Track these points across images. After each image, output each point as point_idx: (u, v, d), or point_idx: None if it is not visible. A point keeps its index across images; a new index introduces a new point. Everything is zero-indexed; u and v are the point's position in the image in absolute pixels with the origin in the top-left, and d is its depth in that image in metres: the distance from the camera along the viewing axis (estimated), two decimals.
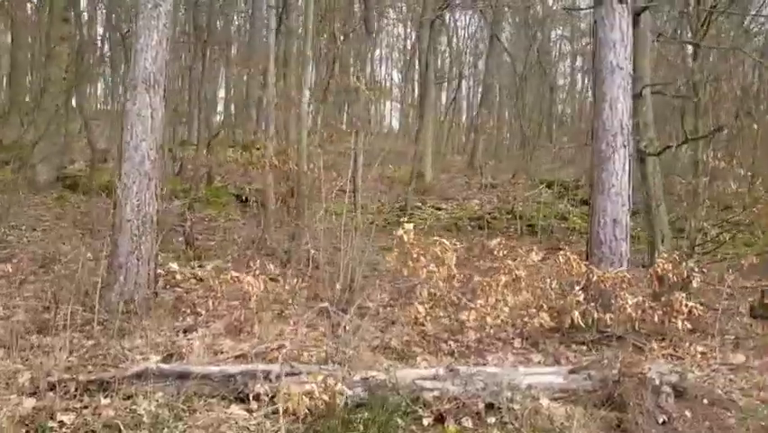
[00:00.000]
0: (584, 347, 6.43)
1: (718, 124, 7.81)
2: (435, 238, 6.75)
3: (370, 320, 6.16)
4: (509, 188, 17.60)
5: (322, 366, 4.72)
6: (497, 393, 4.71)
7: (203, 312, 6.00)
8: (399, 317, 6.42)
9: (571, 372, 5.23)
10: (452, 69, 27.48)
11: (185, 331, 5.66)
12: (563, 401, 4.85)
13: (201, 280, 7.46)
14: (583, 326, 6.15)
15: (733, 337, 7.30)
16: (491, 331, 6.51)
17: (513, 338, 6.44)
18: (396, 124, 34.19)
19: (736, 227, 8.10)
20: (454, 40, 28.20)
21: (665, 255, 7.08)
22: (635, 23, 8.07)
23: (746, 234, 11.57)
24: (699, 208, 7.55)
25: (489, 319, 5.75)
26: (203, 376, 4.30)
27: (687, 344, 6.46)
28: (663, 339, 6.83)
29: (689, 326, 6.16)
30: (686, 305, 6.11)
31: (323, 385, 4.26)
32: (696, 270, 6.34)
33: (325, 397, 4.19)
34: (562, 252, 6.40)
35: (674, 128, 12.96)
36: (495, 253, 6.09)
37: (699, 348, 6.49)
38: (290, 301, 6.31)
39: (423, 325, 6.44)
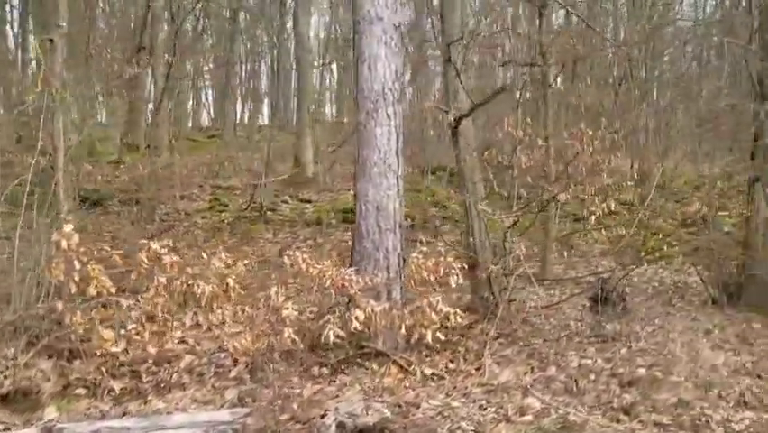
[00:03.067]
0: (327, 370, 5.10)
1: (504, 84, 6.52)
2: (143, 241, 5.31)
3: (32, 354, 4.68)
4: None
5: None
6: None
7: None
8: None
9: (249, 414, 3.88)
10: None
11: None
12: None
13: None
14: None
15: (541, 342, 6.07)
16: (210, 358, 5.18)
17: (235, 365, 5.06)
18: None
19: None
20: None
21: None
22: None
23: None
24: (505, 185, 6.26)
25: (150, 348, 4.34)
26: None
27: (457, 359, 5.20)
28: (442, 352, 5.56)
29: (441, 337, 4.84)
30: (439, 310, 4.79)
31: None
32: (456, 265, 5.01)
33: None
34: (288, 252, 5.02)
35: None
36: (154, 259, 4.61)
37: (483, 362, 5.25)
38: None
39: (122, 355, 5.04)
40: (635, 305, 7.94)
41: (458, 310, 4.81)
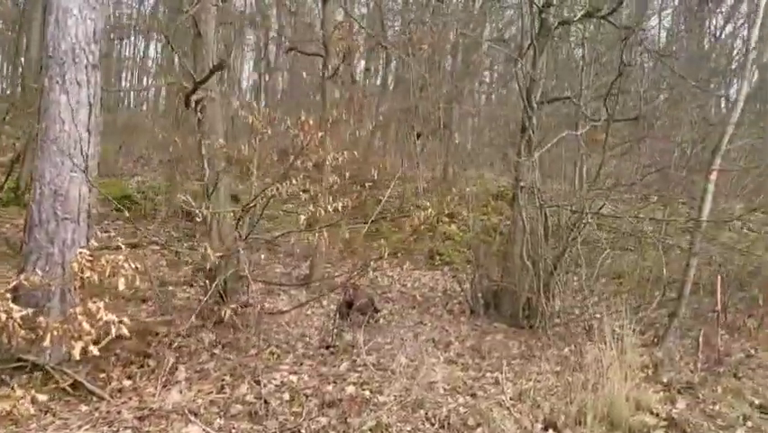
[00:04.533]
0: None
1: (222, 61, 5.85)
2: None
3: None
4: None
5: None
6: None
7: None
8: None
9: None
10: None
11: None
12: None
13: None
14: None
15: (255, 353, 5.41)
16: None
17: None
18: None
19: None
20: None
21: None
22: None
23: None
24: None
25: None
26: None
27: (137, 374, 4.38)
28: (126, 366, 4.71)
29: (95, 351, 3.97)
30: (99, 319, 3.93)
31: None
32: (128, 266, 4.18)
33: None
34: None
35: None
36: None
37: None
38: None
39: None
40: (393, 312, 7.58)
41: (124, 320, 3.97)
